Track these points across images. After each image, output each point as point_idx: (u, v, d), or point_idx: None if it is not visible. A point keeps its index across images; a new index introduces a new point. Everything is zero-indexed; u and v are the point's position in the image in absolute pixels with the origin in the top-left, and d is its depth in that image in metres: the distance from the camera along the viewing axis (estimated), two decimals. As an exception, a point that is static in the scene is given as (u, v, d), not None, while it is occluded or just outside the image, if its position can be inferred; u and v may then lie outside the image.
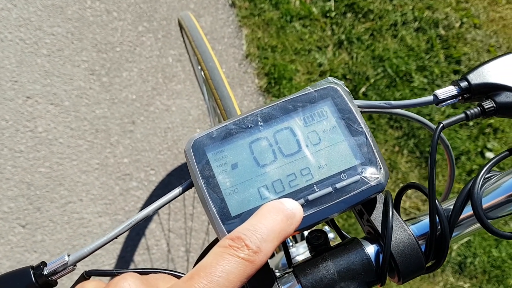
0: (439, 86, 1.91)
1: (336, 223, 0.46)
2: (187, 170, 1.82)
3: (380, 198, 0.41)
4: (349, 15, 2.07)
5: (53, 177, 1.76)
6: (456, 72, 1.94)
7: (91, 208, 1.73)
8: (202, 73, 1.01)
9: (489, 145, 1.81)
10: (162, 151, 1.83)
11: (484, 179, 0.40)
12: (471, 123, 1.86)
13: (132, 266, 1.66)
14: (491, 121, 1.85)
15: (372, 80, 1.92)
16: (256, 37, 2.03)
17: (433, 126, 0.47)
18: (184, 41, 1.45)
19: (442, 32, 2.01)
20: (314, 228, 0.42)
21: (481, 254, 1.66)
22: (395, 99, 1.88)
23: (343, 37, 2.01)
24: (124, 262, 1.67)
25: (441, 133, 0.43)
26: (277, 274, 0.40)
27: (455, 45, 1.98)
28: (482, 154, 1.80)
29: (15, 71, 1.90)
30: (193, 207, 1.74)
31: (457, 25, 2.03)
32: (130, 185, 1.77)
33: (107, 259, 1.68)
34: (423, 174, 1.79)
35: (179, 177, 1.80)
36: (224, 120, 0.88)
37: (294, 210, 0.35)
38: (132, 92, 1.91)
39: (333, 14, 2.06)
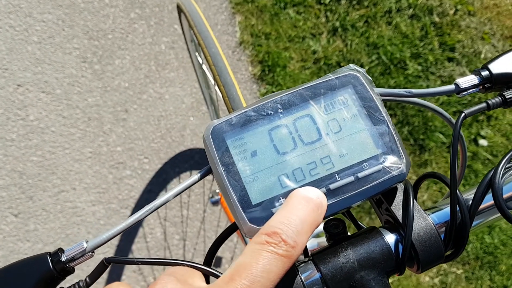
0: (433, 74, 1.92)
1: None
2: (183, 158, 1.82)
3: (400, 187, 0.41)
4: (343, 1, 2.05)
5: (45, 166, 1.74)
6: (450, 59, 1.94)
7: (85, 197, 1.72)
8: (204, 59, 0.99)
9: (482, 133, 1.82)
10: (155, 140, 1.82)
11: (505, 168, 0.40)
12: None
13: (129, 255, 1.66)
14: (484, 108, 1.86)
15: (366, 68, 1.91)
16: (249, 24, 2.01)
17: (449, 117, 0.47)
18: (182, 26, 1.42)
19: (437, 19, 2.01)
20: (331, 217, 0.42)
21: (474, 240, 1.68)
22: (389, 87, 1.88)
23: (337, 24, 2.00)
24: (119, 250, 1.66)
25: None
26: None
27: (449, 32, 1.98)
28: (475, 141, 1.81)
29: (5, 58, 1.87)
30: (188, 195, 1.74)
31: (451, 12, 2.03)
32: (124, 173, 1.76)
33: (102, 248, 1.66)
34: (417, 162, 1.79)
35: (173, 166, 1.79)
36: (227, 108, 0.87)
37: (320, 198, 0.35)
38: (124, 80, 1.88)
39: (327, 0, 2.05)
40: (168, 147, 1.82)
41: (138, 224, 1.70)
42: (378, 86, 1.89)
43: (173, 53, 1.95)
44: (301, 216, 0.33)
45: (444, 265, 1.67)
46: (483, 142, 1.80)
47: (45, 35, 1.92)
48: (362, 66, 1.92)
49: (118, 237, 1.68)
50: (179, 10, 1.20)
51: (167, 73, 1.92)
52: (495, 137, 1.82)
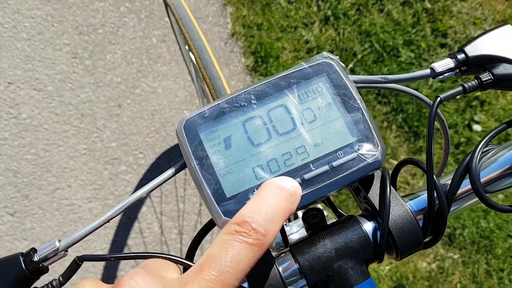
0: (426, 61, 1.91)
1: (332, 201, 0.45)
2: (178, 152, 1.81)
3: (377, 175, 0.41)
4: (334, -10, 2.04)
5: (40, 164, 1.74)
6: (442, 45, 1.94)
7: (81, 193, 1.72)
8: (190, 52, 0.99)
9: (476, 118, 1.81)
10: (150, 134, 1.81)
11: (482, 153, 0.39)
12: (457, 96, 1.87)
13: (126, 250, 1.66)
14: (478, 93, 1.86)
15: (359, 56, 1.90)
16: (241, 15, 1.99)
17: (429, 100, 0.46)
18: (170, 20, 1.41)
19: (428, 5, 2.00)
20: (310, 207, 0.41)
21: (470, 225, 1.69)
22: (382, 74, 1.87)
23: (329, 13, 1.98)
24: (116, 246, 1.67)
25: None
26: (273, 254, 0.40)
27: (441, 18, 1.97)
28: (469, 126, 1.81)
29: (-5, 56, 1.86)
30: (184, 189, 1.74)
31: (443, -3, 2.02)
32: (119, 169, 1.76)
33: (99, 244, 1.67)
34: (412, 149, 1.79)
35: (168, 160, 1.79)
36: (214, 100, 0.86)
37: (295, 187, 0.35)
38: (116, 75, 1.88)
39: (318, -11, 2.04)
40: (163, 142, 1.81)
41: (132, 220, 1.70)
42: (371, 74, 1.88)
43: (165, 46, 1.94)
44: (272, 204, 0.32)
45: (441, 250, 1.68)
46: (477, 127, 1.80)
47: (34, 32, 1.91)
48: (355, 54, 1.91)
49: (114, 232, 1.68)
50: (166, 3, 1.19)
51: (160, 67, 1.91)
52: (489, 122, 1.81)
